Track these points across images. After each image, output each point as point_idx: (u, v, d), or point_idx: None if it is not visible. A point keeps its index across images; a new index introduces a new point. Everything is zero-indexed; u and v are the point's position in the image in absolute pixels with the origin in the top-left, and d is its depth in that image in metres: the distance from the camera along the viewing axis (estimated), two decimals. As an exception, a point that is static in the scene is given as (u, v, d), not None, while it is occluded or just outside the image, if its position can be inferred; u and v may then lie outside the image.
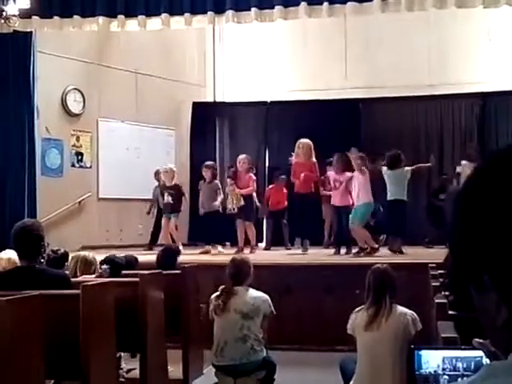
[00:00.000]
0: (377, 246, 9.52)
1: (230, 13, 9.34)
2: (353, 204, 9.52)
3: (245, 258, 5.90)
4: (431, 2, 8.59)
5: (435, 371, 2.72)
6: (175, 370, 5.92)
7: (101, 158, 12.28)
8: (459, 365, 2.71)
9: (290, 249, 11.14)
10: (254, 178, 10.74)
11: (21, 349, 3.44)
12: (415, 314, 4.97)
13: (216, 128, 14.04)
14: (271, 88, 13.68)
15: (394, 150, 9.92)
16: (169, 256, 6.76)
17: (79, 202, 11.79)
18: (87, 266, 5.73)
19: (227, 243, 11.40)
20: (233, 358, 5.35)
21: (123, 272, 5.73)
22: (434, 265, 7.12)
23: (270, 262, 8.57)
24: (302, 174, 9.97)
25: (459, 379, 2.63)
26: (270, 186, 11.91)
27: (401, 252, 9.49)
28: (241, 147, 13.13)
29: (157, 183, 11.40)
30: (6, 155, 10.39)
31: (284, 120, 13.56)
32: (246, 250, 10.23)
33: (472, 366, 2.64)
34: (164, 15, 9.57)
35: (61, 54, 11.48)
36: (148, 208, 11.60)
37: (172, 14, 9.60)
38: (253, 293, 5.53)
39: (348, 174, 9.62)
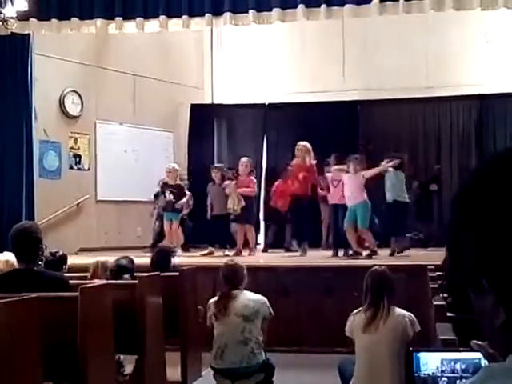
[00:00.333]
0: (376, 248, 9.53)
1: (227, 15, 9.34)
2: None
3: (238, 262, 5.90)
4: (429, 4, 8.60)
5: (434, 373, 2.72)
6: (173, 373, 5.91)
7: (99, 160, 12.28)
8: (458, 367, 2.70)
9: (291, 250, 11.07)
10: (255, 181, 10.74)
11: (19, 351, 3.44)
12: (413, 316, 4.97)
13: (214, 130, 14.05)
14: (269, 90, 13.69)
15: (398, 153, 10.06)
16: (163, 257, 6.75)
17: (77, 205, 11.79)
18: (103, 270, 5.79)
19: (227, 246, 11.39)
20: (233, 362, 5.36)
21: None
22: (432, 267, 7.12)
23: (269, 264, 8.57)
24: (301, 174, 10.01)
25: (458, 381, 2.62)
26: (279, 181, 11.33)
27: (401, 252, 9.55)
28: (239, 149, 13.14)
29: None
30: (3, 157, 10.38)
31: (282, 122, 13.57)
32: (245, 253, 10.23)
33: (470, 368, 2.64)
34: (162, 17, 9.58)
35: (59, 57, 11.48)
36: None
37: (170, 16, 9.60)
38: (251, 295, 5.55)
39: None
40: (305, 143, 10.33)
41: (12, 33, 9.70)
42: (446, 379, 2.69)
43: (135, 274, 5.63)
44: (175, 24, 9.71)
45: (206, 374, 6.04)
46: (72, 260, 6.48)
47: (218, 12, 9.41)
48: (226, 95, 14.22)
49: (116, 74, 12.49)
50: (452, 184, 12.23)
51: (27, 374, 3.53)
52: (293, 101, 13.34)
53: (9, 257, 5.69)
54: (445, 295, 5.09)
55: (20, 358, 3.44)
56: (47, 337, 3.71)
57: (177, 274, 6.27)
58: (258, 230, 11.70)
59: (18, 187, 10.37)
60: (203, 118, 13.86)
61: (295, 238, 10.73)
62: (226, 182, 10.57)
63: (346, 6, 8.84)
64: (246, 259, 8.50)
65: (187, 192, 11.25)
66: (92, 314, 4.25)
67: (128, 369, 5.43)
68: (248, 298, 5.51)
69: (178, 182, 11.06)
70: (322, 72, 13.16)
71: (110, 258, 6.34)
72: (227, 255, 10.07)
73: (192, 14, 9.53)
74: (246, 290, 5.61)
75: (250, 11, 9.24)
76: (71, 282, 4.83)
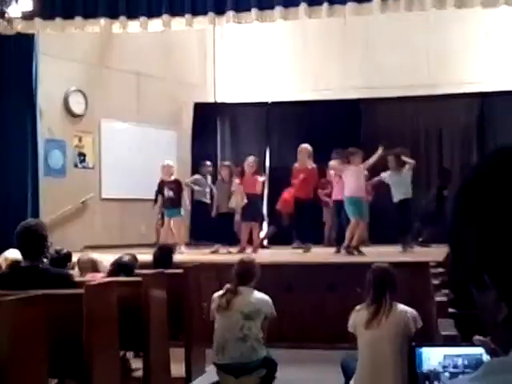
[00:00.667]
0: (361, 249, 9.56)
1: (230, 13, 9.36)
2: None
3: (253, 260, 5.94)
4: (430, 2, 8.60)
5: (436, 368, 2.74)
6: (178, 369, 5.95)
7: (103, 158, 12.32)
8: (460, 362, 2.72)
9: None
10: (261, 180, 10.76)
11: (24, 348, 3.46)
12: (416, 312, 4.99)
13: (217, 128, 14.07)
14: (272, 88, 13.70)
15: (395, 150, 10.08)
16: (165, 254, 6.79)
17: (82, 203, 11.83)
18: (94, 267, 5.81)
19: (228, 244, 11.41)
20: (233, 357, 5.39)
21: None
22: (434, 263, 7.15)
23: (272, 261, 8.60)
24: (301, 175, 10.13)
25: (460, 376, 2.64)
26: (287, 189, 11.33)
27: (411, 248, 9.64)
28: (242, 148, 13.17)
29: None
30: (9, 156, 10.42)
31: (285, 120, 13.58)
32: (248, 250, 10.25)
33: (473, 364, 2.66)
34: (165, 16, 9.60)
35: (63, 56, 11.52)
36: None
37: (173, 14, 9.63)
38: (256, 294, 5.58)
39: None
40: (305, 145, 10.41)
41: (17, 32, 9.74)
42: (448, 374, 2.71)
43: (138, 272, 5.66)
44: (178, 23, 9.73)
45: (210, 370, 6.07)
46: (76, 257, 6.51)
47: (220, 10, 9.43)
48: (228, 94, 14.24)
49: (120, 73, 12.52)
50: (454, 181, 12.23)
51: (33, 370, 3.55)
52: (295, 99, 13.35)
53: (13, 254, 5.75)
54: (447, 291, 5.13)
55: (26, 355, 3.46)
56: (53, 334, 3.73)
57: (181, 271, 6.30)
58: (261, 228, 11.73)
59: (23, 185, 10.42)
60: (206, 116, 13.88)
61: (298, 238, 10.75)
62: (234, 180, 10.61)
63: (348, 4, 8.85)
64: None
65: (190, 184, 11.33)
66: (97, 311, 4.28)
67: (134, 364, 5.46)
68: (252, 296, 5.55)
69: (175, 177, 11.11)
70: (324, 70, 13.17)
71: (106, 256, 6.37)
72: (230, 252, 10.13)
73: (195, 13, 9.55)
74: (254, 288, 5.65)
75: (253, 9, 9.26)
76: (76, 279, 4.87)
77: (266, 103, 13.68)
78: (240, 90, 14.03)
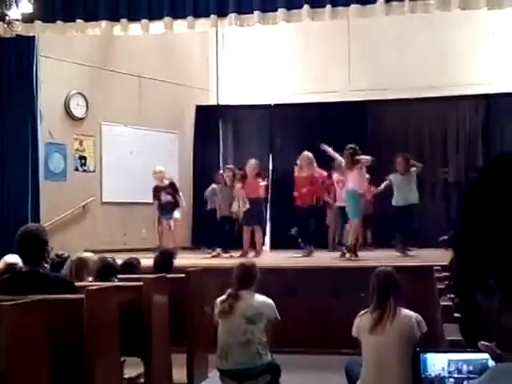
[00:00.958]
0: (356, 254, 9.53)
1: (232, 16, 9.34)
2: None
3: (253, 263, 5.90)
4: (435, 4, 8.58)
5: (441, 374, 2.71)
6: (180, 374, 5.91)
7: (104, 161, 12.28)
8: (465, 367, 2.69)
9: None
10: (263, 183, 10.72)
11: (25, 353, 3.43)
12: (420, 317, 4.95)
13: (219, 131, 14.05)
14: (274, 91, 13.68)
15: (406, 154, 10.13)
16: (166, 259, 6.77)
17: (83, 206, 11.80)
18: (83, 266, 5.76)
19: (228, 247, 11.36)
20: (237, 363, 5.35)
21: (129, 276, 5.74)
22: (439, 267, 7.11)
23: (276, 265, 8.56)
24: (304, 189, 10.13)
25: (465, 382, 2.62)
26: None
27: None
28: (245, 150, 13.13)
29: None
30: (9, 159, 10.40)
31: (288, 123, 13.56)
32: (251, 254, 10.22)
33: (478, 369, 2.63)
34: (167, 19, 9.57)
35: (64, 59, 11.49)
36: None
37: (175, 17, 9.60)
38: (258, 298, 5.54)
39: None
40: (306, 154, 10.40)
41: (17, 35, 9.71)
42: (452, 380, 2.68)
43: (140, 276, 5.62)
44: (180, 25, 9.71)
45: (213, 376, 6.04)
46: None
47: (222, 13, 9.40)
48: (231, 96, 14.22)
49: (121, 76, 12.49)
50: (458, 184, 12.21)
51: (33, 376, 3.52)
52: (298, 101, 13.32)
53: (13, 259, 5.70)
54: (452, 296, 5.08)
55: (25, 361, 3.43)
56: (53, 339, 3.70)
57: (183, 275, 6.26)
58: (264, 232, 11.69)
59: (23, 189, 10.38)
60: (208, 119, 13.86)
61: (301, 240, 10.72)
62: (237, 184, 10.58)
63: (351, 6, 8.83)
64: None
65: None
66: (98, 316, 4.25)
67: (128, 372, 5.41)
68: (254, 299, 5.51)
69: (168, 180, 11.08)
70: (328, 72, 13.14)
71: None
72: (232, 256, 10.09)
73: (197, 15, 9.53)
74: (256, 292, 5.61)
75: (255, 12, 9.24)
76: (76, 283, 4.83)
77: (269, 105, 13.66)
78: (242, 92, 14.01)
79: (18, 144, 10.39)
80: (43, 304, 3.67)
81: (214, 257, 10.36)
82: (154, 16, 9.66)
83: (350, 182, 9.51)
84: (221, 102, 14.29)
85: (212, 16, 9.44)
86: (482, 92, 12.57)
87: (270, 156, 13.62)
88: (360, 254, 9.58)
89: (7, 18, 9.08)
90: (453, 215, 11.95)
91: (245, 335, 5.36)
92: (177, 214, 10.94)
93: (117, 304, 4.52)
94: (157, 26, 9.77)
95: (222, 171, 11.36)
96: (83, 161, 12.05)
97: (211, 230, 10.97)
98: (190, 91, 13.61)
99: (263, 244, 11.02)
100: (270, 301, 5.59)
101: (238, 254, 10.26)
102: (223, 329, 5.47)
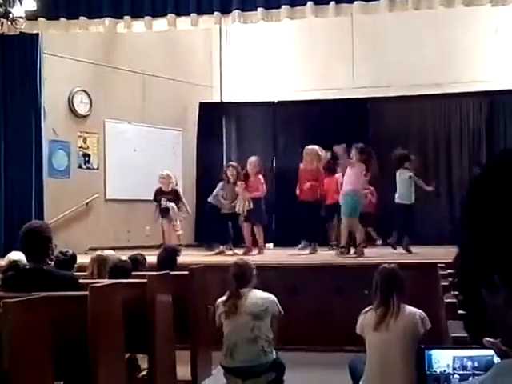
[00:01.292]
0: (363, 250, 9.50)
1: (236, 13, 9.33)
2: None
3: (247, 261, 5.92)
4: (439, 0, 8.56)
5: (445, 371, 2.70)
6: (184, 371, 5.91)
7: (108, 159, 12.29)
8: (469, 364, 2.68)
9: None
10: (263, 181, 10.70)
11: (29, 351, 3.44)
12: (424, 314, 4.95)
13: (223, 128, 14.03)
14: (278, 88, 13.66)
15: (401, 151, 10.02)
16: (169, 256, 6.78)
17: (86, 204, 11.80)
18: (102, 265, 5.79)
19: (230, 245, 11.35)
20: (243, 361, 5.36)
21: (133, 273, 5.75)
22: (442, 264, 7.10)
23: (278, 263, 8.57)
24: (308, 184, 10.10)
25: (470, 378, 2.60)
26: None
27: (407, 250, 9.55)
28: (248, 147, 13.11)
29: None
30: (13, 157, 10.43)
31: (291, 120, 13.54)
32: (254, 251, 10.22)
33: (482, 365, 2.62)
34: (170, 16, 9.57)
35: (67, 56, 11.50)
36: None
37: (178, 14, 9.60)
38: (260, 294, 5.57)
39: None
40: (312, 147, 10.38)
41: (21, 32, 9.72)
42: (458, 376, 2.68)
43: (145, 273, 5.62)
44: (183, 22, 9.70)
45: (217, 373, 6.04)
46: (81, 259, 6.49)
47: (226, 10, 9.39)
48: (234, 93, 14.21)
49: (124, 73, 12.49)
50: (462, 181, 12.20)
51: (38, 373, 3.54)
52: (302, 98, 13.31)
53: (17, 256, 5.71)
54: (456, 293, 5.07)
55: (31, 358, 3.44)
56: (57, 336, 3.71)
57: (186, 272, 6.27)
58: (266, 230, 11.66)
59: (27, 187, 10.41)
60: (212, 116, 13.85)
61: (304, 238, 10.71)
62: (239, 183, 10.56)
63: (355, 2, 8.81)
64: (254, 258, 8.48)
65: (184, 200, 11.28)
66: (102, 313, 4.26)
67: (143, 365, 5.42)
68: (257, 296, 5.53)
69: (172, 187, 11.07)
70: (331, 69, 13.13)
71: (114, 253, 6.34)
72: (236, 254, 10.09)
73: (200, 12, 9.52)
74: (255, 288, 5.62)
75: (259, 9, 9.22)
76: (80, 281, 4.84)
77: (273, 103, 13.64)
78: (246, 89, 13.99)
79: (21, 141, 10.41)
80: (47, 301, 3.68)
81: (217, 254, 10.36)
82: (158, 13, 9.66)
83: (348, 179, 9.45)
84: (224, 100, 14.27)
85: (215, 13, 9.44)
86: (485, 89, 12.54)
87: (274, 153, 13.60)
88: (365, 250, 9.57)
89: (11, 15, 9.08)
90: (455, 213, 11.99)
91: (252, 332, 5.38)
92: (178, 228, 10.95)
93: (121, 301, 4.53)
94: (160, 23, 9.77)
95: (224, 168, 11.36)
96: (87, 158, 12.06)
97: (214, 226, 10.95)
98: (193, 88, 13.61)
99: (265, 242, 11.01)
100: (272, 296, 5.62)
101: (241, 251, 10.26)
102: (230, 328, 5.48)
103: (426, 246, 10.51)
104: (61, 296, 4.18)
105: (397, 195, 9.86)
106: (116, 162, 12.29)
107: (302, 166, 10.54)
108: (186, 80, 13.38)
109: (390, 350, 4.77)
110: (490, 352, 2.31)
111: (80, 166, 11.94)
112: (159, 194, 11.03)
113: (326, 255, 9.93)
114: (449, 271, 6.60)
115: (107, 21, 9.76)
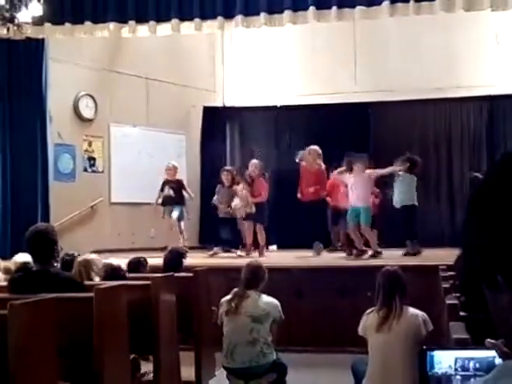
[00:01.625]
0: (380, 249, 9.56)
1: (239, 17, 9.36)
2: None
3: (260, 264, 5.95)
4: (439, 5, 8.58)
5: (448, 372, 2.72)
6: (188, 372, 5.95)
7: (113, 162, 12.34)
8: (471, 365, 2.70)
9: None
10: (266, 184, 10.72)
11: (35, 352, 3.47)
12: (426, 315, 4.98)
13: (226, 132, 14.07)
14: (281, 92, 13.69)
15: (410, 154, 10.10)
16: (176, 258, 6.80)
17: (91, 207, 11.85)
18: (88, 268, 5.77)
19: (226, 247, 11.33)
20: (243, 362, 5.39)
21: (134, 275, 5.79)
22: (444, 267, 7.13)
23: (282, 265, 8.59)
24: (312, 189, 10.11)
25: (472, 379, 2.62)
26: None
27: (413, 254, 9.56)
28: (251, 151, 13.16)
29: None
30: (19, 160, 10.47)
31: (294, 124, 13.57)
32: (255, 253, 10.23)
33: (484, 367, 2.64)
34: (174, 20, 9.61)
35: (73, 61, 11.56)
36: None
37: (182, 19, 9.63)
38: (264, 298, 5.58)
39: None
40: (314, 147, 10.40)
41: (26, 37, 9.78)
42: (459, 377, 2.70)
43: (149, 275, 5.66)
44: (187, 27, 9.73)
45: (220, 374, 6.07)
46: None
47: (229, 15, 9.43)
48: (237, 98, 14.23)
49: (129, 78, 12.55)
50: (463, 185, 12.23)
51: (43, 374, 3.55)
52: (304, 103, 13.34)
53: (23, 258, 5.76)
54: (457, 294, 5.10)
55: (36, 359, 3.46)
56: (63, 337, 3.74)
57: (190, 274, 6.31)
58: (270, 232, 11.69)
59: (33, 190, 10.46)
60: (215, 120, 13.88)
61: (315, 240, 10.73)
62: (236, 187, 10.57)
63: (357, 7, 8.84)
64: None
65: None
66: (107, 315, 4.29)
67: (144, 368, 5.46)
68: (261, 299, 5.55)
69: (178, 178, 11.14)
70: (333, 74, 13.15)
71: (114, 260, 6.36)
72: (240, 256, 10.12)
73: (204, 17, 9.55)
74: (263, 293, 5.65)
75: (262, 13, 9.25)
76: (86, 283, 4.88)
77: (275, 107, 13.67)
78: (249, 93, 14.02)
79: (27, 145, 10.46)
80: (53, 302, 3.70)
81: (211, 256, 10.38)
82: (162, 18, 9.69)
83: (354, 195, 9.49)
84: (227, 104, 14.30)
85: (219, 18, 9.47)
86: (486, 93, 12.54)
87: (277, 156, 13.61)
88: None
89: (16, 20, 9.13)
90: (456, 216, 12.02)
91: (251, 334, 5.40)
92: (175, 213, 10.94)
93: (126, 302, 4.57)
94: (164, 28, 9.80)
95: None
96: (92, 161, 12.11)
97: (215, 229, 11.00)
98: (197, 93, 13.66)
99: (266, 243, 11.04)
100: (275, 301, 5.64)
101: (243, 253, 10.29)
102: (229, 328, 5.51)
103: (427, 248, 10.53)
104: (66, 297, 4.22)
105: (397, 199, 9.86)
106: (121, 166, 12.34)
107: (303, 164, 10.53)
108: (189, 84, 13.43)
109: (392, 352, 4.80)
110: (492, 353, 2.35)
111: (85, 170, 12.00)
112: (165, 183, 11.09)
113: (329, 257, 9.96)
114: (450, 273, 6.63)
115: (112, 25, 9.80)
